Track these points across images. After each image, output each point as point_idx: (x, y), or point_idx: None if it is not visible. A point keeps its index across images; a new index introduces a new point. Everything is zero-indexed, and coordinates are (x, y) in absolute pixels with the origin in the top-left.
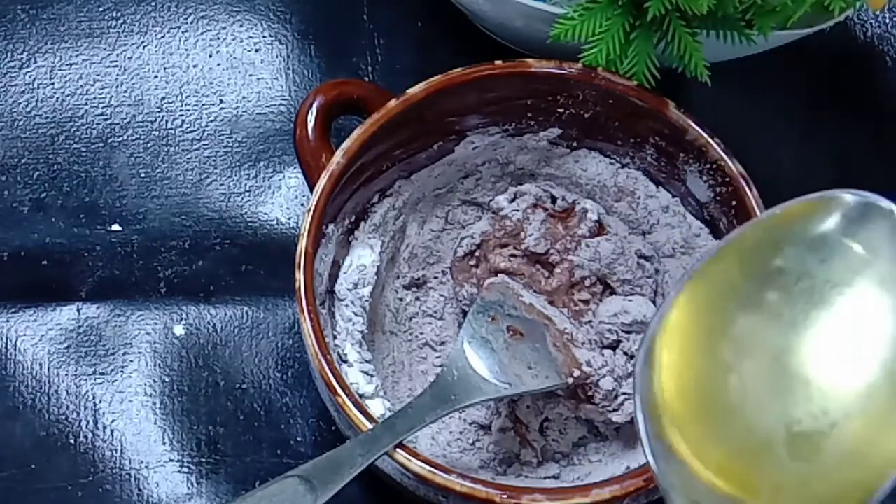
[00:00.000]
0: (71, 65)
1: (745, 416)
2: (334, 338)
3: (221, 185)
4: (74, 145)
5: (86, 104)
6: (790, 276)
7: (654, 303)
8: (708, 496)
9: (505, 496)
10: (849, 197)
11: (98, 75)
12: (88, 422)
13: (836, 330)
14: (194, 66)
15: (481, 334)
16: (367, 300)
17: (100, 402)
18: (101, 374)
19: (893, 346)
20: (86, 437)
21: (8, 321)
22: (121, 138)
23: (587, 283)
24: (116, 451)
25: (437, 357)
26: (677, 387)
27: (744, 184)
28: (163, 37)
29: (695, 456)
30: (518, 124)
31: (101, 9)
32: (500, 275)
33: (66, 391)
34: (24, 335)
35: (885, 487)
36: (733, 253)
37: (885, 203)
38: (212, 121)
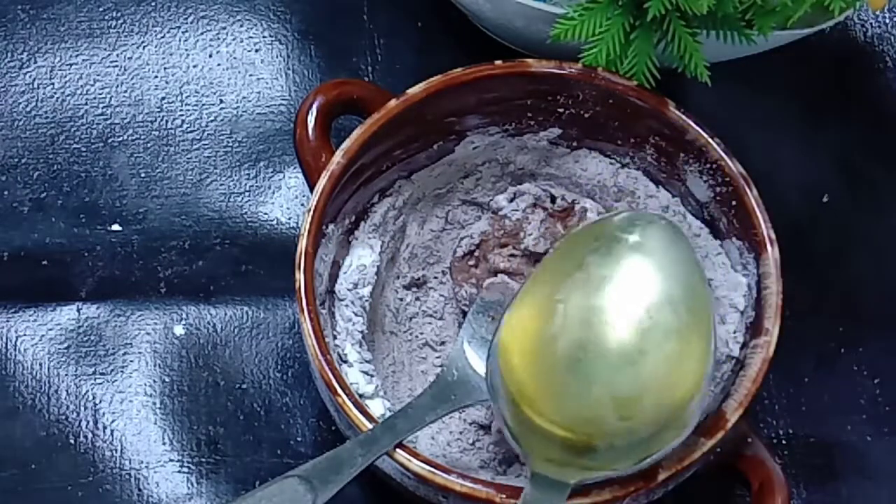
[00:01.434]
0: (71, 65)
1: (578, 394)
2: (334, 338)
3: (221, 185)
4: (74, 145)
5: (86, 104)
6: (594, 271)
7: None
8: (561, 449)
9: (505, 496)
10: (629, 212)
11: (98, 75)
12: (88, 422)
13: (632, 310)
14: (194, 66)
15: (481, 334)
16: (367, 300)
17: (100, 402)
18: (101, 374)
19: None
20: (86, 437)
21: (8, 321)
22: (121, 138)
23: None
24: (116, 451)
25: (437, 357)
26: (527, 375)
27: (743, 183)
28: (163, 37)
29: (547, 424)
30: (518, 124)
31: (101, 9)
32: (499, 275)
33: (66, 391)
34: (24, 335)
35: (690, 411)
36: (549, 267)
37: (656, 215)
38: (212, 121)
